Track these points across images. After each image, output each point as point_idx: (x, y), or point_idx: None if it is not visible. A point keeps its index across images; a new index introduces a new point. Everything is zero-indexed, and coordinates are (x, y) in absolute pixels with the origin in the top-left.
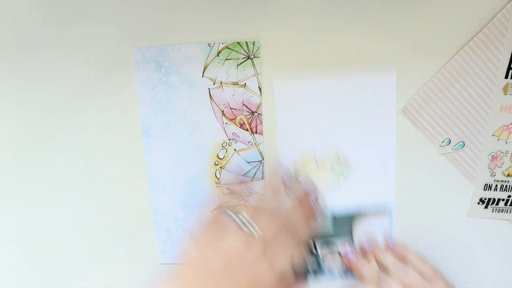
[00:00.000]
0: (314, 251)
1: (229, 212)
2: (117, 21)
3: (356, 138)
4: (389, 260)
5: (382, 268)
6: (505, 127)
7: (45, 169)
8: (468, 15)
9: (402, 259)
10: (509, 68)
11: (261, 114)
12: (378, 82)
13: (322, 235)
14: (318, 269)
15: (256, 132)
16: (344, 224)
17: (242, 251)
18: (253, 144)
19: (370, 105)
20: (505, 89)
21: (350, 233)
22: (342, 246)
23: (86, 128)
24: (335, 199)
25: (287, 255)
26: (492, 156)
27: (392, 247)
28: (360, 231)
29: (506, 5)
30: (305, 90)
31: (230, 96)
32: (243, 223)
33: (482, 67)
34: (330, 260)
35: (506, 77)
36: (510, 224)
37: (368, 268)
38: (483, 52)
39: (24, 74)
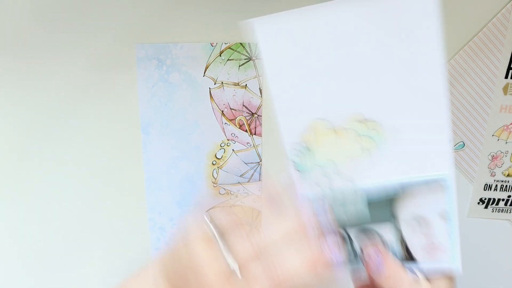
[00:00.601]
0: (348, 241)
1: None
2: (121, 18)
3: (387, 90)
4: None
5: None
6: (505, 127)
7: (42, 164)
8: (468, 15)
9: None
10: (509, 68)
11: (261, 116)
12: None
13: (357, 222)
14: (355, 260)
15: (255, 134)
16: (384, 207)
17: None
18: (252, 145)
19: (401, 37)
20: (505, 89)
21: (393, 218)
22: (364, 240)
23: (86, 123)
24: (368, 176)
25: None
26: (492, 156)
27: None
28: (407, 214)
29: (506, 5)
30: (300, 26)
31: (231, 97)
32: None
33: (482, 67)
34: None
35: (506, 77)
36: (510, 224)
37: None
38: (483, 52)
39: (26, 69)
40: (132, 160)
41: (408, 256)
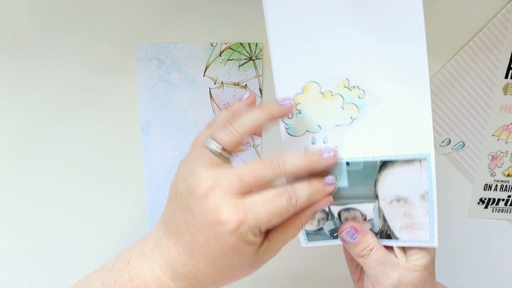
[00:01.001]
0: (327, 210)
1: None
2: (121, 18)
3: (371, 59)
4: None
5: None
6: (505, 127)
7: (42, 164)
8: (468, 15)
9: None
10: (509, 68)
11: None
12: None
13: (339, 196)
14: (335, 229)
15: (255, 134)
16: (362, 175)
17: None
18: (252, 145)
19: (383, 9)
20: (505, 89)
21: (375, 198)
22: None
23: (85, 123)
24: (348, 142)
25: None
26: (492, 156)
27: None
28: (386, 185)
29: (506, 5)
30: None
31: (231, 97)
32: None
33: (482, 67)
34: (348, 219)
35: (506, 77)
36: (510, 224)
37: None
38: (483, 52)
39: (26, 69)
40: (132, 160)
41: (389, 235)
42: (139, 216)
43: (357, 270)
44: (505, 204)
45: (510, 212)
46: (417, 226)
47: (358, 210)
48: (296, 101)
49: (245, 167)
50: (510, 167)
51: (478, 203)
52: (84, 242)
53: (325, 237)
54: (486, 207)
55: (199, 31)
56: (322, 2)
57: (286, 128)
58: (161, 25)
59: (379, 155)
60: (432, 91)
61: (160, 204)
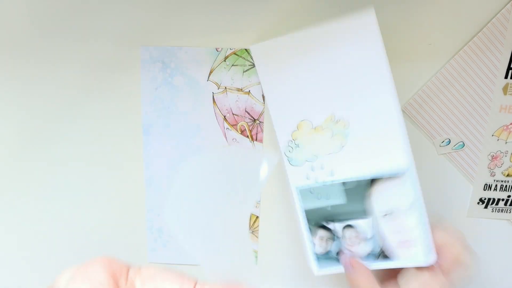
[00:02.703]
0: (332, 228)
1: None
2: (126, 20)
3: (350, 95)
4: None
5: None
6: (505, 127)
7: (42, 164)
8: (468, 15)
9: None
10: (509, 68)
11: (263, 122)
12: (356, 23)
13: (339, 214)
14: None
15: (256, 140)
16: (357, 192)
17: None
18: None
19: (355, 53)
20: (505, 89)
21: (370, 214)
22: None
23: (88, 123)
24: (341, 165)
25: None
26: (492, 156)
27: None
28: (378, 200)
29: (506, 5)
30: (285, 50)
31: (234, 102)
32: None
33: (482, 67)
34: (350, 238)
35: (506, 77)
36: (510, 224)
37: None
38: (483, 52)
39: (30, 71)
40: (132, 161)
41: (387, 255)
42: (138, 217)
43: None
44: (505, 204)
45: (510, 212)
46: (411, 243)
47: (358, 228)
48: (293, 137)
49: None
50: (510, 167)
51: (478, 203)
52: (83, 242)
53: (334, 262)
54: (486, 207)
55: (204, 36)
56: (302, 55)
57: (289, 161)
58: (166, 28)
59: (368, 174)
60: (432, 91)
61: (159, 206)
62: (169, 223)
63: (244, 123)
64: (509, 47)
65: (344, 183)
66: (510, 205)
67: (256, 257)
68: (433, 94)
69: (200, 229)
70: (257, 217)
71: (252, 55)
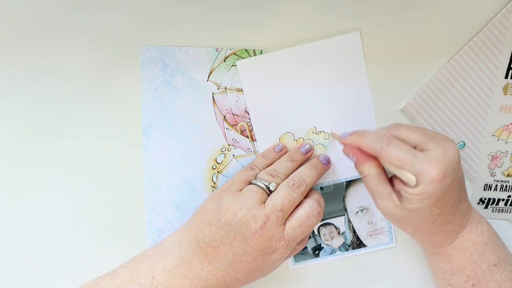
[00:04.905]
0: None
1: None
2: (126, 19)
3: (331, 109)
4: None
5: None
6: (505, 127)
7: (42, 164)
8: (468, 15)
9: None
10: (509, 68)
11: None
12: (342, 44)
13: None
14: (316, 246)
15: (256, 140)
16: (333, 194)
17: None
18: (252, 151)
19: (339, 70)
20: (505, 89)
21: (345, 211)
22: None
23: (87, 123)
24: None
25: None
26: (492, 156)
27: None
28: (352, 199)
29: (506, 5)
30: (270, 66)
31: (233, 102)
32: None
33: (482, 67)
34: (326, 234)
35: (506, 77)
36: (510, 224)
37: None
38: (483, 52)
39: (29, 70)
40: (132, 161)
41: (359, 244)
42: (137, 217)
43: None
44: (505, 204)
45: (510, 212)
46: (379, 231)
47: (333, 225)
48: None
49: (282, 198)
50: (510, 167)
51: (478, 203)
52: (82, 242)
53: (309, 257)
54: (486, 207)
55: (204, 36)
56: (284, 70)
57: None
58: (166, 28)
59: (344, 178)
60: (432, 91)
61: (158, 206)
62: None
63: (244, 123)
64: (509, 47)
65: (321, 188)
66: (510, 205)
67: None
68: (433, 94)
69: None
70: None
71: (238, 70)
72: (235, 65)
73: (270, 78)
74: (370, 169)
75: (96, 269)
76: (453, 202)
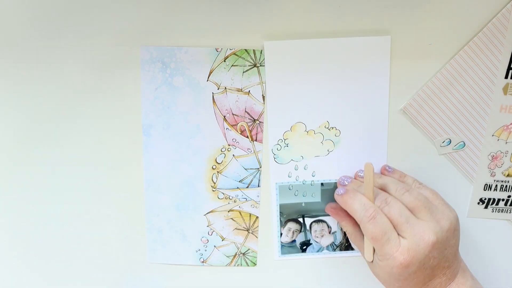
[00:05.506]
0: (302, 221)
1: None
2: (126, 19)
3: (348, 107)
4: (387, 180)
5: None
6: (505, 127)
7: (42, 164)
8: (468, 15)
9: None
10: (509, 68)
11: (263, 123)
12: (371, 45)
13: (312, 210)
14: (305, 242)
15: (256, 140)
16: (332, 192)
17: None
18: (252, 151)
19: (363, 72)
20: (505, 89)
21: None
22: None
23: (87, 123)
24: (324, 168)
25: None
26: (492, 156)
27: (389, 172)
28: None
29: (506, 5)
30: (297, 53)
31: (233, 102)
32: None
33: (482, 67)
34: (317, 231)
35: (506, 77)
36: (510, 224)
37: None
38: (483, 52)
39: (28, 71)
40: (132, 161)
41: (347, 246)
42: (138, 217)
43: None
44: (505, 204)
45: (510, 212)
46: None
47: (326, 223)
48: (284, 137)
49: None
50: (510, 167)
51: (478, 203)
52: (81, 243)
53: (296, 251)
54: (486, 207)
55: (204, 36)
56: (312, 61)
57: (274, 158)
58: (166, 28)
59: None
60: (432, 91)
61: (158, 207)
62: None
63: (244, 123)
64: (509, 47)
65: (322, 184)
66: (510, 205)
67: (256, 257)
68: (433, 94)
69: None
70: (257, 217)
71: (264, 50)
72: (235, 65)
73: (294, 64)
74: (347, 228)
75: (96, 269)
76: (417, 283)
